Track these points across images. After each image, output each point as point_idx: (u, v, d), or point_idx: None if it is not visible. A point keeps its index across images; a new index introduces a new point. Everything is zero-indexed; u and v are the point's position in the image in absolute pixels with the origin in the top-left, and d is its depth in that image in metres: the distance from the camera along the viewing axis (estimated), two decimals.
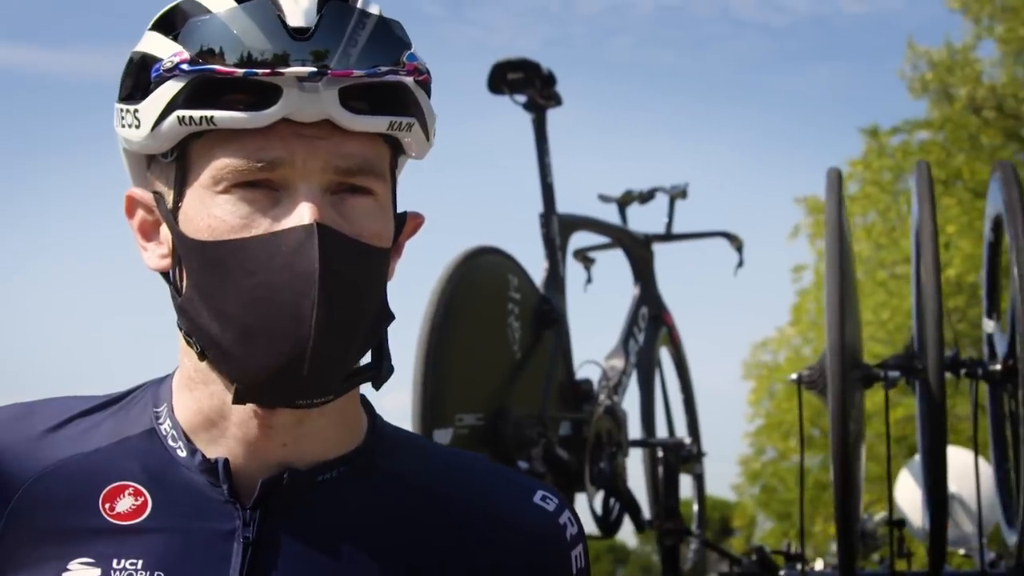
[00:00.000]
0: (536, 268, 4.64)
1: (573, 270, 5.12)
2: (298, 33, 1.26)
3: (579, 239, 5.16)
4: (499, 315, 4.29)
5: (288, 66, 1.24)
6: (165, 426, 1.36)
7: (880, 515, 5.73)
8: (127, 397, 1.42)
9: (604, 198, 5.61)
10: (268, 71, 1.23)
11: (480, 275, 4.21)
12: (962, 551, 5.69)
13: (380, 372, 1.34)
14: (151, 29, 1.32)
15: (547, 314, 4.51)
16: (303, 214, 1.25)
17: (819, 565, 4.75)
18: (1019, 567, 3.83)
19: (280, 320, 1.25)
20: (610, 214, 5.58)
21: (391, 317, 1.34)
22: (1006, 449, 4.47)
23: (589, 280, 5.52)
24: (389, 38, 1.30)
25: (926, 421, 4.01)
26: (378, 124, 1.28)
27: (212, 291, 1.28)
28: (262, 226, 1.26)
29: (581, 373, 4.78)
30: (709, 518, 5.93)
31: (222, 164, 1.27)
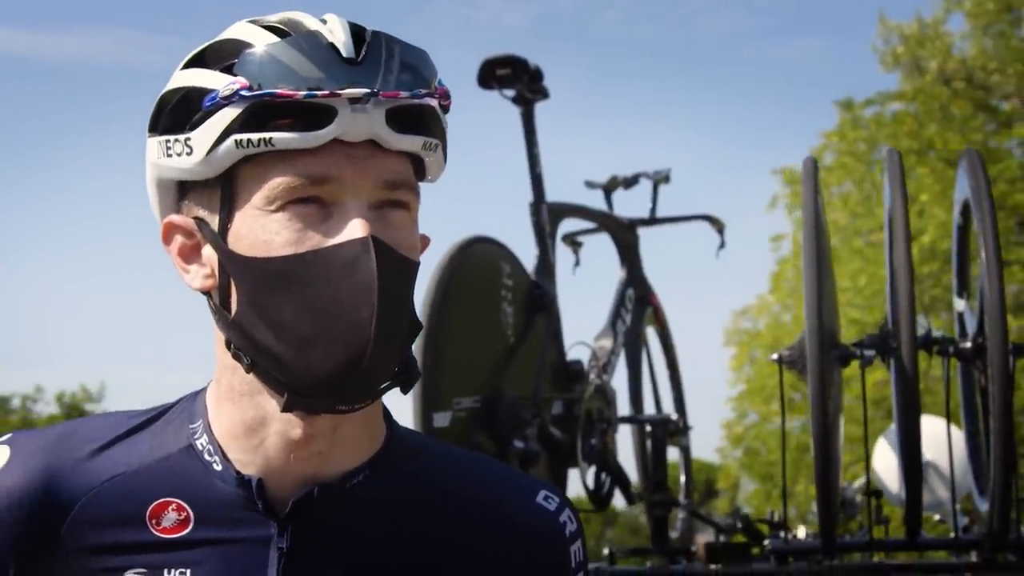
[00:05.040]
0: (527, 255, 4.79)
1: (561, 254, 5.27)
2: (348, 60, 1.35)
3: (567, 225, 5.30)
4: (493, 301, 4.42)
5: (343, 89, 1.33)
6: (201, 441, 1.45)
7: (859, 483, 5.93)
8: (165, 414, 1.50)
9: (590, 184, 5.75)
10: (327, 93, 1.32)
11: (474, 264, 4.34)
12: (937, 516, 5.87)
13: (409, 377, 1.42)
14: (188, 67, 1.42)
15: (539, 299, 4.64)
16: (355, 228, 1.33)
17: (801, 533, 4.91)
18: (991, 534, 4.01)
19: (339, 329, 1.33)
20: (596, 199, 5.75)
21: (420, 326, 1.42)
22: (977, 421, 4.66)
23: (577, 263, 5.66)
24: (420, 65, 1.40)
25: (900, 396, 4.19)
26: (415, 143, 1.38)
27: (268, 304, 1.35)
28: (314, 239, 1.34)
29: (571, 354, 4.91)
30: (695, 481, 6.12)
31: (275, 183, 1.35)
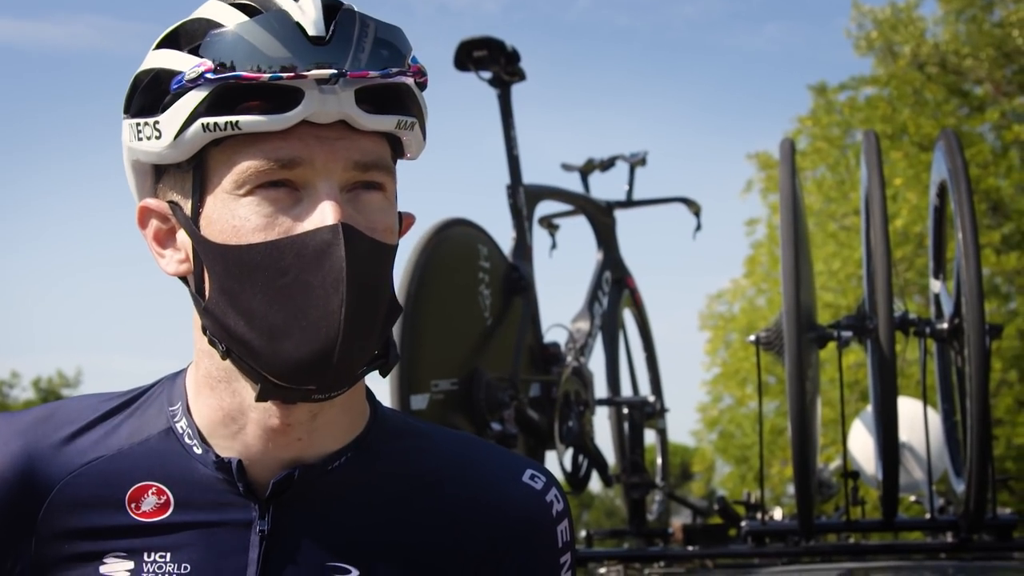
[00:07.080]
0: (504, 237, 4.77)
1: (538, 236, 5.25)
2: (316, 40, 1.32)
3: (544, 207, 5.28)
4: (470, 284, 4.39)
5: (309, 70, 1.30)
6: (181, 424, 1.43)
7: (835, 464, 5.96)
8: (143, 397, 1.49)
9: (567, 167, 5.74)
10: (292, 75, 1.30)
11: (451, 246, 4.30)
12: (912, 497, 5.90)
13: (388, 361, 1.40)
14: (159, 47, 1.38)
15: (516, 281, 4.62)
16: (326, 213, 1.31)
17: (778, 515, 4.93)
18: (967, 515, 4.03)
19: (309, 318, 1.31)
20: (573, 182, 5.74)
21: (399, 310, 1.40)
22: (953, 402, 4.68)
23: (554, 246, 5.67)
24: (393, 42, 1.37)
25: (878, 377, 4.20)
26: (387, 123, 1.35)
27: (239, 292, 1.33)
28: (285, 224, 1.32)
29: (548, 336, 4.89)
30: (670, 464, 6.14)
31: (244, 167, 1.32)
